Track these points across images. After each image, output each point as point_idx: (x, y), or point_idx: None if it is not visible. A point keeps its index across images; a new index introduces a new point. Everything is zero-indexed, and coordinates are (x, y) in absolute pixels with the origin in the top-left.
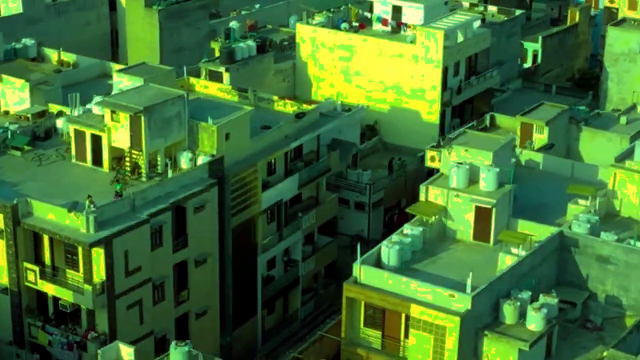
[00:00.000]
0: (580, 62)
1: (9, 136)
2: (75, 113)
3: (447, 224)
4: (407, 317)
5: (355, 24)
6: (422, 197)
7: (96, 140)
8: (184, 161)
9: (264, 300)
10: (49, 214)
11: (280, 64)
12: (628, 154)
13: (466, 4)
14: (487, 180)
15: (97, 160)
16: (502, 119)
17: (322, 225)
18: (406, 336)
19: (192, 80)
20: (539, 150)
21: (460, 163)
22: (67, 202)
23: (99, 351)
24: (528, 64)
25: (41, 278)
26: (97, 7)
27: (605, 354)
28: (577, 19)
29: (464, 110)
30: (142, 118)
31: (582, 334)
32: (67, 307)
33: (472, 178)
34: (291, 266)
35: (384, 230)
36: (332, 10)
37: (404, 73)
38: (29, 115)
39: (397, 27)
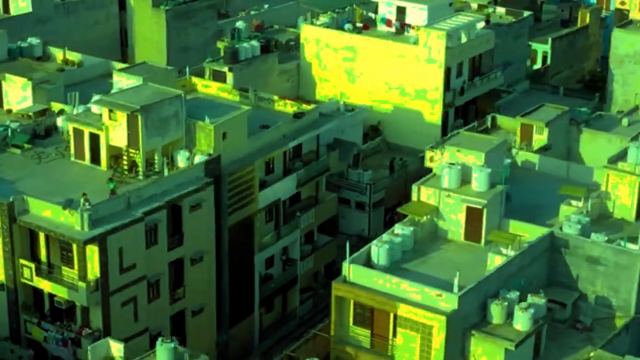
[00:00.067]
0: (590, 64)
1: (10, 134)
2: (75, 112)
3: (439, 224)
4: (395, 316)
5: (359, 24)
6: (414, 197)
7: (94, 139)
8: (181, 160)
9: (261, 299)
10: (44, 212)
11: (285, 64)
12: (621, 156)
13: (474, 5)
14: (478, 181)
15: (95, 158)
16: (503, 120)
17: (323, 224)
18: (394, 335)
19: (195, 79)
20: (535, 151)
21: (453, 164)
22: (64, 199)
23: (88, 347)
24: (538, 65)
25: (37, 275)
26: (107, 7)
27: (592, 354)
28: (587, 20)
29: (467, 111)
30: (139, 117)
31: (571, 334)
32: (62, 303)
33: (465, 179)
34: (289, 265)
35: (384, 230)
36: (336, 11)
37: (407, 74)
38: (31, 114)
39: (401, 28)
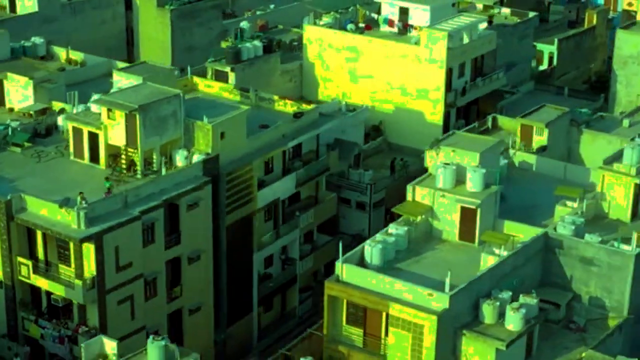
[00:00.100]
0: (597, 65)
1: (10, 133)
2: (75, 111)
3: (434, 224)
4: (388, 316)
5: (361, 25)
6: (409, 197)
7: (93, 138)
8: (180, 159)
9: (260, 298)
10: (42, 210)
11: (287, 65)
12: (617, 157)
13: (480, 6)
14: (473, 181)
15: (94, 157)
16: (504, 121)
17: (323, 224)
18: (387, 334)
19: (196, 79)
20: (531, 152)
21: (447, 164)
22: (62, 198)
23: (82, 345)
24: (544, 66)
25: (34, 272)
26: (113, 6)
27: (583, 354)
28: (594, 21)
29: (469, 112)
30: (137, 116)
31: (565, 334)
32: (59, 301)
33: (460, 179)
34: (289, 264)
35: None
36: (339, 11)
37: (408, 74)
38: (32, 113)
39: (403, 28)
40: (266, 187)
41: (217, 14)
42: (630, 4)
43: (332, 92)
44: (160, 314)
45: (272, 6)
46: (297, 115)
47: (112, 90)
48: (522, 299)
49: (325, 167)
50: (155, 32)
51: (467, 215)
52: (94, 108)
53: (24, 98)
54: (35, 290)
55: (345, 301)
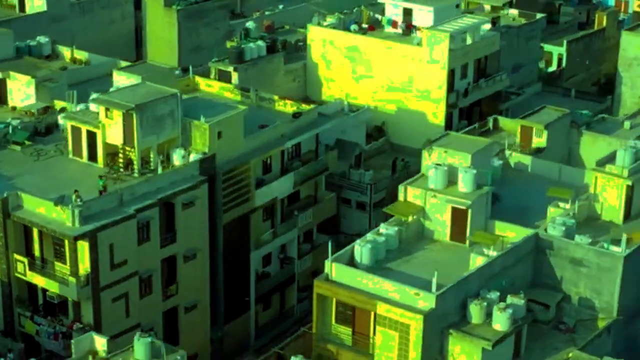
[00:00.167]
0: (607, 67)
1: (10, 131)
2: (74, 110)
3: (425, 224)
4: (376, 315)
5: (365, 26)
6: (400, 197)
7: (91, 137)
8: (177, 158)
9: (258, 296)
10: (38, 207)
11: (291, 65)
12: (610, 159)
13: (487, 7)
14: (464, 182)
15: (93, 155)
16: (505, 122)
17: (323, 224)
18: (375, 333)
19: (198, 79)
20: (526, 153)
21: (439, 164)
22: (59, 196)
23: (72, 341)
24: (553, 67)
25: (30, 270)
26: (122, 6)
27: (570, 355)
28: (604, 23)
29: (472, 113)
30: (134, 115)
31: (554, 335)
32: (54, 298)
33: (452, 179)
34: (287, 263)
35: None
36: (344, 12)
37: (411, 75)
38: (34, 111)
39: (407, 29)
40: (264, 187)
41: (224, 14)
42: None
43: (336, 93)
44: (156, 312)
45: (280, 7)
46: (296, 115)
47: (111, 90)
48: (510, 299)
49: (324, 167)
50: (162, 32)
51: (458, 216)
52: (93, 107)
53: (26, 97)
54: (31, 287)
55: (334, 300)
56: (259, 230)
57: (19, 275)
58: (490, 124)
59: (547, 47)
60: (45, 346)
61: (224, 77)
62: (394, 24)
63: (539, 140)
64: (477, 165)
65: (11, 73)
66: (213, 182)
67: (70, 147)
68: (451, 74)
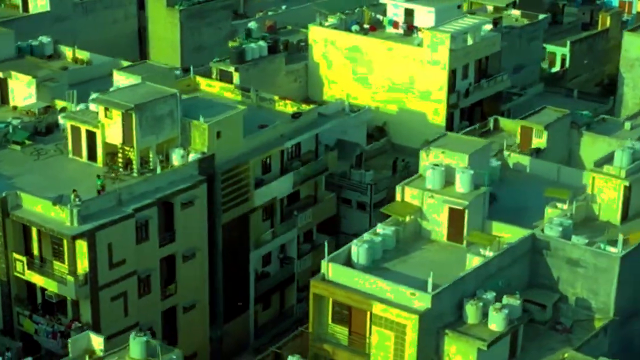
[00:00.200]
0: (611, 67)
1: (10, 131)
2: (74, 110)
3: (423, 225)
4: (372, 315)
5: (366, 26)
6: (398, 197)
7: (91, 136)
8: (176, 158)
9: (257, 296)
10: (36, 207)
11: (292, 65)
12: (608, 159)
13: (490, 8)
14: (461, 182)
15: (92, 155)
16: (505, 123)
17: (324, 224)
18: (371, 333)
19: (199, 79)
20: (525, 153)
21: (436, 165)
22: (58, 195)
23: (69, 340)
24: (557, 68)
25: (29, 269)
26: (125, 6)
27: (566, 355)
28: (608, 24)
29: (473, 113)
30: (133, 115)
31: (551, 335)
32: (52, 297)
33: (449, 180)
34: (287, 263)
35: None
36: (346, 12)
37: (412, 75)
38: (34, 111)
39: (408, 30)
40: (263, 186)
41: (227, 14)
42: None
43: (337, 93)
44: (154, 311)
45: (283, 7)
46: (295, 115)
47: (111, 89)
48: (506, 299)
49: (324, 167)
50: (165, 32)
51: (454, 216)
52: (93, 107)
53: (27, 96)
54: (30, 286)
55: (330, 300)
56: (258, 230)
57: (18, 275)
58: (491, 125)
59: (551, 48)
60: (43, 345)
61: (225, 77)
62: (395, 24)
63: (539, 140)
64: (474, 165)
65: (12, 73)
66: (212, 182)
67: (70, 147)
68: (452, 74)
